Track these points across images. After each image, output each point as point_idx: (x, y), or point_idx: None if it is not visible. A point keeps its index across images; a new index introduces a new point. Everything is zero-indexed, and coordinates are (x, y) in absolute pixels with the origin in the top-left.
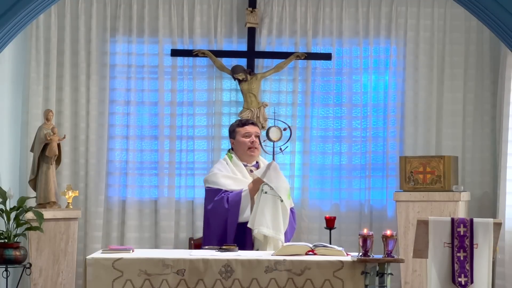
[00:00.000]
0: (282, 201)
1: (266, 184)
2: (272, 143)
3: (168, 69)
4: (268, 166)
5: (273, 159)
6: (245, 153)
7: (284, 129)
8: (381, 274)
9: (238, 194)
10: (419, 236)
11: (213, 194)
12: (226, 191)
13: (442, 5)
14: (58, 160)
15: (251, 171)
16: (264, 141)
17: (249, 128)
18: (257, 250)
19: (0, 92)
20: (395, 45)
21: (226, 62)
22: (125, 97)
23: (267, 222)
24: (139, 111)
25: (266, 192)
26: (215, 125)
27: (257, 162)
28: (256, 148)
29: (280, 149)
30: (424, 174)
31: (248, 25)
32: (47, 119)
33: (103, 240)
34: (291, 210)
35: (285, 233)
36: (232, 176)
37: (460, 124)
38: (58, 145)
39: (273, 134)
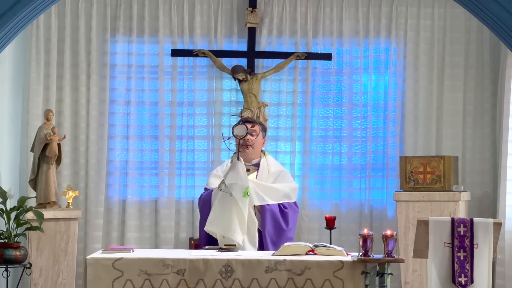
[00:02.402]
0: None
1: (224, 182)
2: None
3: (168, 69)
4: (232, 164)
5: (238, 156)
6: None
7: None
8: (381, 274)
9: (210, 192)
10: (419, 236)
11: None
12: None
13: (442, 5)
14: (58, 160)
15: (248, 170)
16: (228, 138)
17: None
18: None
19: (0, 92)
20: (395, 45)
21: (226, 62)
22: (125, 97)
23: (217, 219)
24: (139, 111)
25: (221, 190)
26: (215, 125)
27: (259, 162)
28: (246, 145)
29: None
30: (424, 174)
31: (248, 25)
32: (47, 119)
33: (103, 240)
34: (282, 210)
35: (267, 232)
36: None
37: (460, 124)
38: (58, 145)
39: (238, 130)
